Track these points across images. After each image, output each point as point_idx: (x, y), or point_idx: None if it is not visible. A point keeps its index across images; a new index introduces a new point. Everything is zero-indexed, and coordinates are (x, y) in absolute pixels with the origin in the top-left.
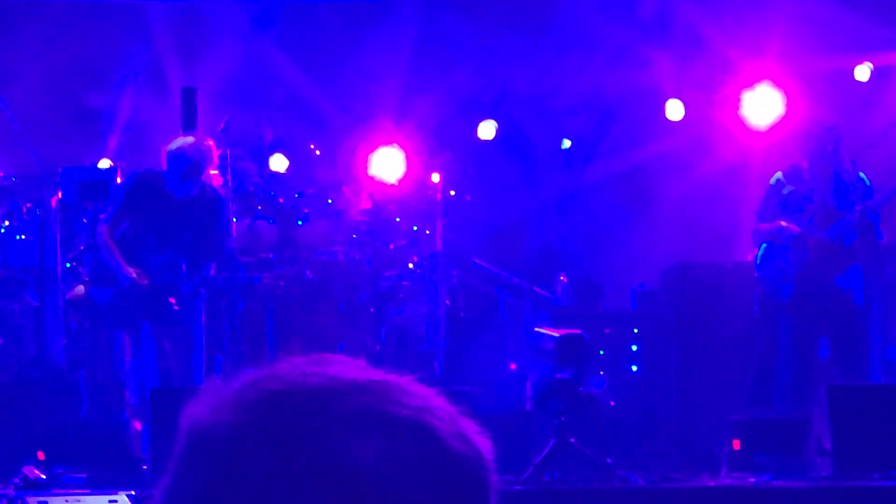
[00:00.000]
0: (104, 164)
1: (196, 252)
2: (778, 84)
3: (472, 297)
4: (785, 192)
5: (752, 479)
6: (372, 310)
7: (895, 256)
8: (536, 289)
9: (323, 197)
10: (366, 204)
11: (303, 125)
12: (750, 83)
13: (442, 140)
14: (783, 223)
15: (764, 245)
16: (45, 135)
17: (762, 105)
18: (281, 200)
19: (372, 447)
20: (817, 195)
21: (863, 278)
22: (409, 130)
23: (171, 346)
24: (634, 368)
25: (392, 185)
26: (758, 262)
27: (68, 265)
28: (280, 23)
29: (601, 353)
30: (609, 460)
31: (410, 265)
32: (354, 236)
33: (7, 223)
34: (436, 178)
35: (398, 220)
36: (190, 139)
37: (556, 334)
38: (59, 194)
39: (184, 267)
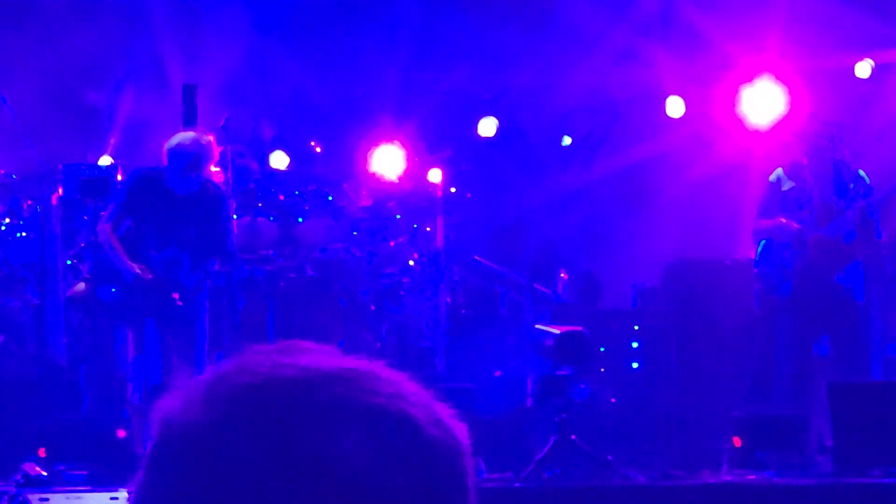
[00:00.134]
0: (105, 161)
1: (198, 248)
2: (778, 81)
3: (472, 294)
4: (785, 188)
5: (753, 476)
6: (372, 307)
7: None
8: (537, 286)
9: (323, 194)
10: (366, 201)
11: (303, 122)
12: (750, 80)
13: (442, 137)
14: (783, 220)
15: (764, 242)
16: (45, 132)
17: (763, 103)
18: (281, 197)
19: (348, 438)
20: (817, 192)
21: (863, 276)
22: (410, 127)
23: (175, 343)
24: (635, 365)
25: (392, 182)
26: (758, 258)
27: (69, 262)
28: (281, 20)
29: (602, 350)
30: (610, 457)
31: (411, 262)
32: (355, 233)
33: (8, 220)
34: (436, 175)
35: (399, 217)
36: (190, 134)
37: (556, 331)
38: (60, 191)
39: (187, 262)
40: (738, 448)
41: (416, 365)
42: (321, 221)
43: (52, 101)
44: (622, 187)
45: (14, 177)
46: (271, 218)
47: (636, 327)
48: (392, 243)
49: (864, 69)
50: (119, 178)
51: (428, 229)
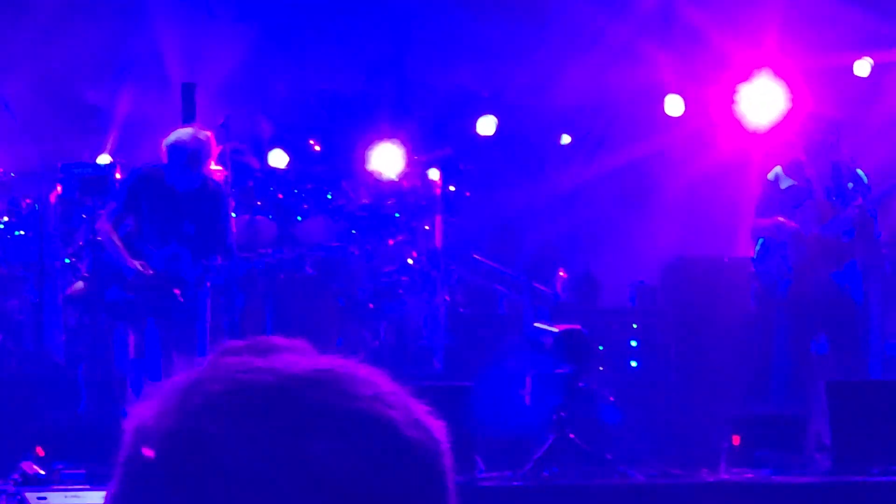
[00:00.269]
0: (104, 159)
1: (199, 244)
2: (777, 79)
3: (471, 292)
4: (783, 187)
5: (752, 475)
6: (371, 305)
7: (894, 252)
8: (536, 284)
9: (322, 192)
10: (365, 199)
11: (302, 121)
12: (749, 79)
13: (441, 136)
14: (781, 219)
15: (762, 240)
16: (44, 130)
17: (761, 101)
18: (280, 196)
19: (326, 445)
20: (816, 191)
21: (861, 275)
22: (409, 126)
23: (176, 341)
24: (633, 364)
25: (391, 181)
26: (756, 257)
27: (67, 261)
28: (279, 18)
29: (600, 348)
30: (608, 456)
31: (410, 261)
32: (354, 232)
33: (6, 219)
34: (435, 173)
35: (397, 215)
36: (188, 129)
37: (555, 330)
38: (59, 190)
39: (187, 258)
40: (736, 446)
41: (414, 363)
42: (320, 220)
43: (50, 100)
44: (621, 186)
45: (13, 175)
46: (270, 216)
47: (635, 326)
48: (391, 242)
49: (863, 68)
50: (118, 176)
51: (427, 228)
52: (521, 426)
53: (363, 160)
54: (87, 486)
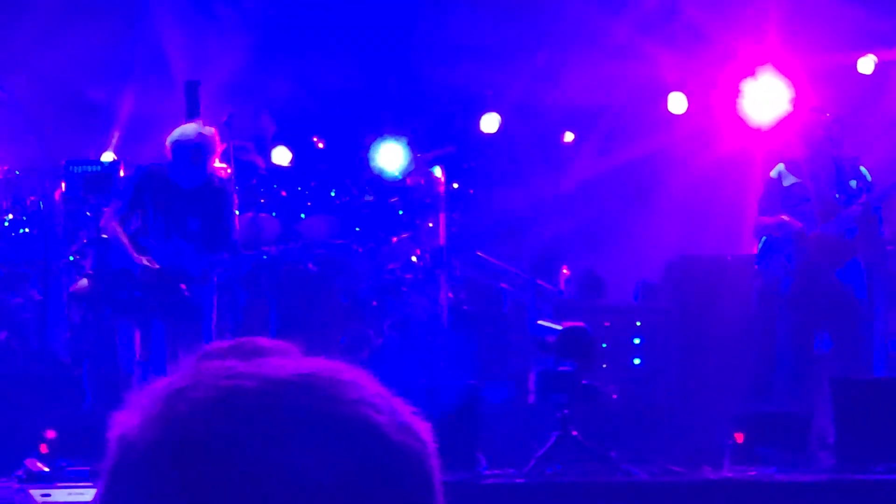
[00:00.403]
0: (108, 157)
1: (204, 240)
2: (780, 77)
3: (474, 290)
4: (786, 184)
5: (755, 473)
6: (374, 303)
7: None
8: (539, 282)
9: (325, 190)
10: (368, 197)
11: (306, 118)
12: (752, 76)
13: (445, 133)
14: (784, 216)
15: (765, 238)
16: (48, 128)
17: (764, 99)
18: (283, 193)
19: (314, 452)
20: (818, 188)
21: (864, 272)
22: (412, 123)
23: (182, 338)
24: (637, 361)
25: (395, 178)
26: (759, 255)
27: (72, 258)
28: (283, 16)
29: (604, 345)
30: (612, 453)
31: (413, 258)
32: (357, 229)
33: (10, 216)
34: (438, 171)
35: (401, 213)
36: (192, 126)
37: (559, 327)
38: (63, 187)
39: (192, 254)
40: (739, 444)
41: (417, 361)
42: (323, 217)
43: (54, 98)
44: (624, 183)
45: (17, 173)
46: (274, 214)
47: (638, 323)
48: (394, 239)
49: (866, 65)
50: (122, 174)
51: (430, 225)
52: (524, 423)
53: (367, 158)
54: (91, 484)
